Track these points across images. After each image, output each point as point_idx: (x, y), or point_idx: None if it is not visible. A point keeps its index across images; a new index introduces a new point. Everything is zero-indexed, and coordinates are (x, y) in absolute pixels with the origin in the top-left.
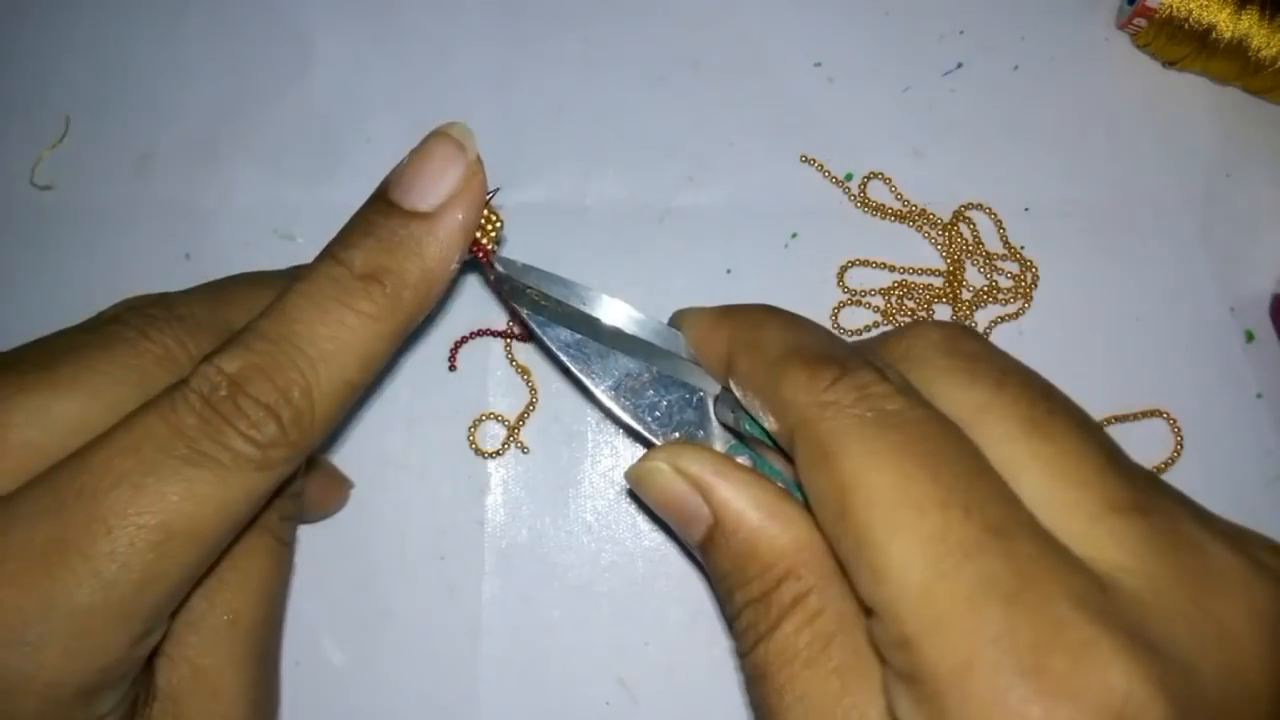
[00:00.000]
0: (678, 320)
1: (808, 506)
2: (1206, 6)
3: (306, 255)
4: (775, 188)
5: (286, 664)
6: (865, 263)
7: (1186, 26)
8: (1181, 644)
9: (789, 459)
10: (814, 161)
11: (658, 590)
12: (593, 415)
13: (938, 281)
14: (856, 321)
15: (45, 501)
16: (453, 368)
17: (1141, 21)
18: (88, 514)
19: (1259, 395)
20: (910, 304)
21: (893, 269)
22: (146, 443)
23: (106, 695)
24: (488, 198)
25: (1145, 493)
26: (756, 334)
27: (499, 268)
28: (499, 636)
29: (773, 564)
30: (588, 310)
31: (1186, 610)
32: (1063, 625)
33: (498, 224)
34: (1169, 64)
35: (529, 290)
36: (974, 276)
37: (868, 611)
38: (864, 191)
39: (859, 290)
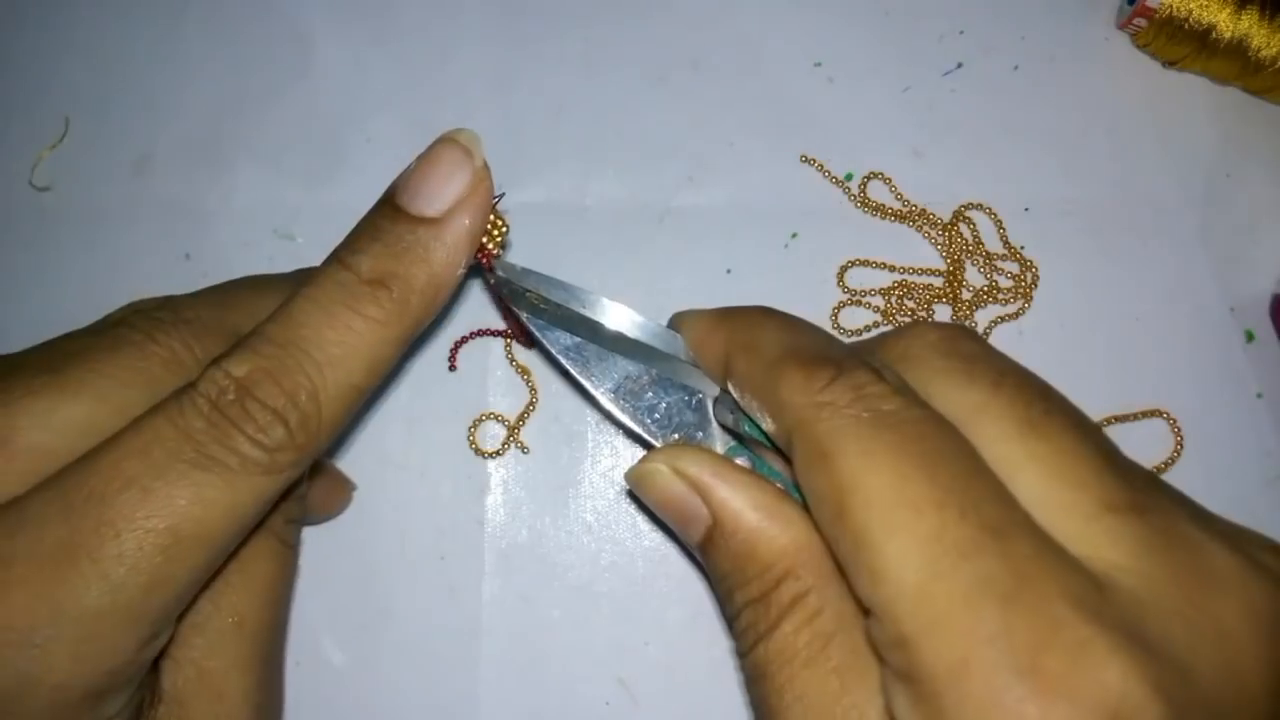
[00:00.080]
0: (676, 322)
1: (806, 507)
2: (1206, 6)
3: (307, 255)
4: (775, 188)
5: (287, 664)
6: (865, 263)
7: (1186, 26)
8: (1178, 643)
9: (788, 460)
10: (814, 161)
11: (658, 590)
12: (593, 415)
13: (938, 281)
14: (856, 321)
15: (54, 505)
16: (453, 368)
17: (1141, 21)
18: (96, 517)
19: (1259, 395)
20: (910, 304)
21: (893, 269)
22: (155, 446)
23: (113, 698)
24: (494, 202)
25: (1142, 492)
26: (754, 335)
27: (499, 271)
28: (499, 636)
29: (771, 564)
30: (587, 313)
31: (1183, 610)
32: (1059, 625)
33: (504, 229)
34: (1169, 64)
35: (528, 294)
36: (974, 276)
37: (865, 611)
38: (864, 191)
39: (859, 290)
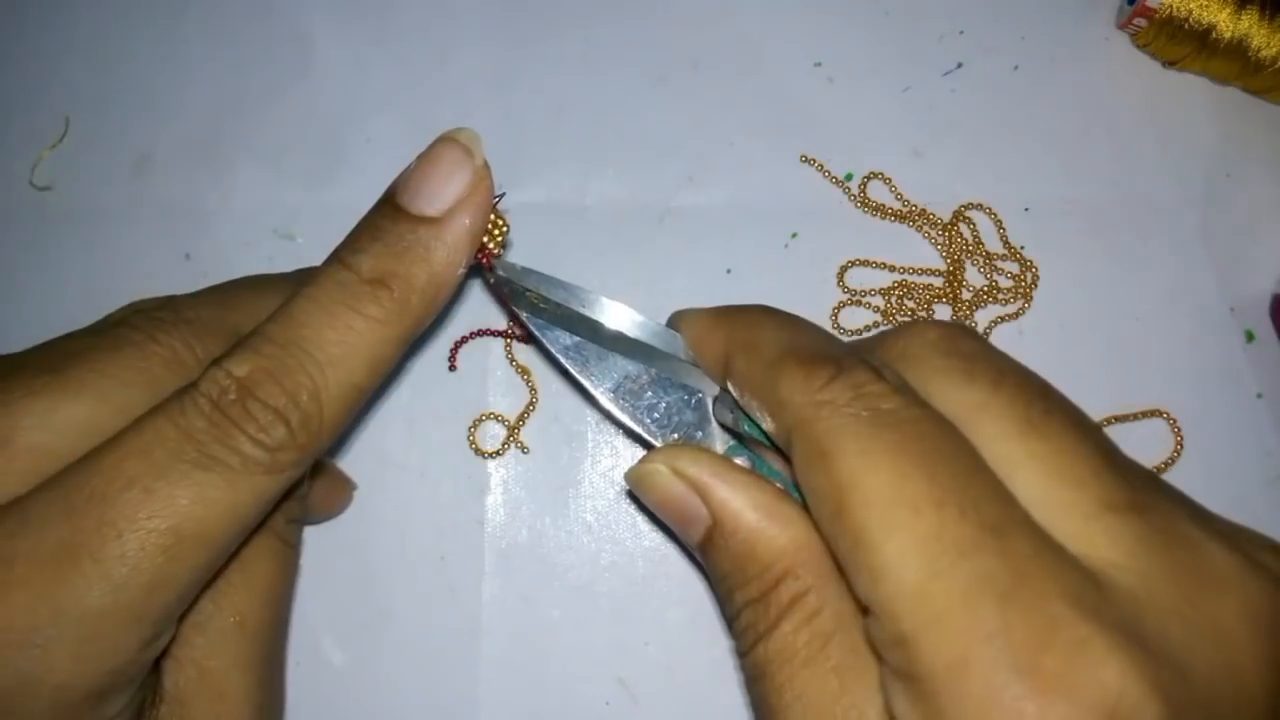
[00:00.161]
0: (676, 321)
1: (806, 507)
2: (1206, 6)
3: (307, 255)
4: (775, 188)
5: (287, 664)
6: (865, 263)
7: (1186, 26)
8: (1176, 642)
9: (787, 459)
10: (814, 161)
11: (658, 590)
12: (593, 415)
13: (938, 281)
14: (856, 321)
15: (55, 505)
16: (453, 368)
17: (1141, 21)
18: (98, 517)
19: (1259, 395)
20: (910, 304)
21: (893, 269)
22: (156, 446)
23: (115, 698)
24: (494, 202)
25: (1141, 491)
26: (753, 334)
27: (499, 271)
28: (499, 636)
29: (771, 564)
30: (586, 312)
31: (1181, 608)
32: (1057, 623)
33: (504, 228)
34: (1169, 64)
35: (528, 293)
36: (974, 276)
37: (865, 610)
38: (864, 191)
39: (859, 290)
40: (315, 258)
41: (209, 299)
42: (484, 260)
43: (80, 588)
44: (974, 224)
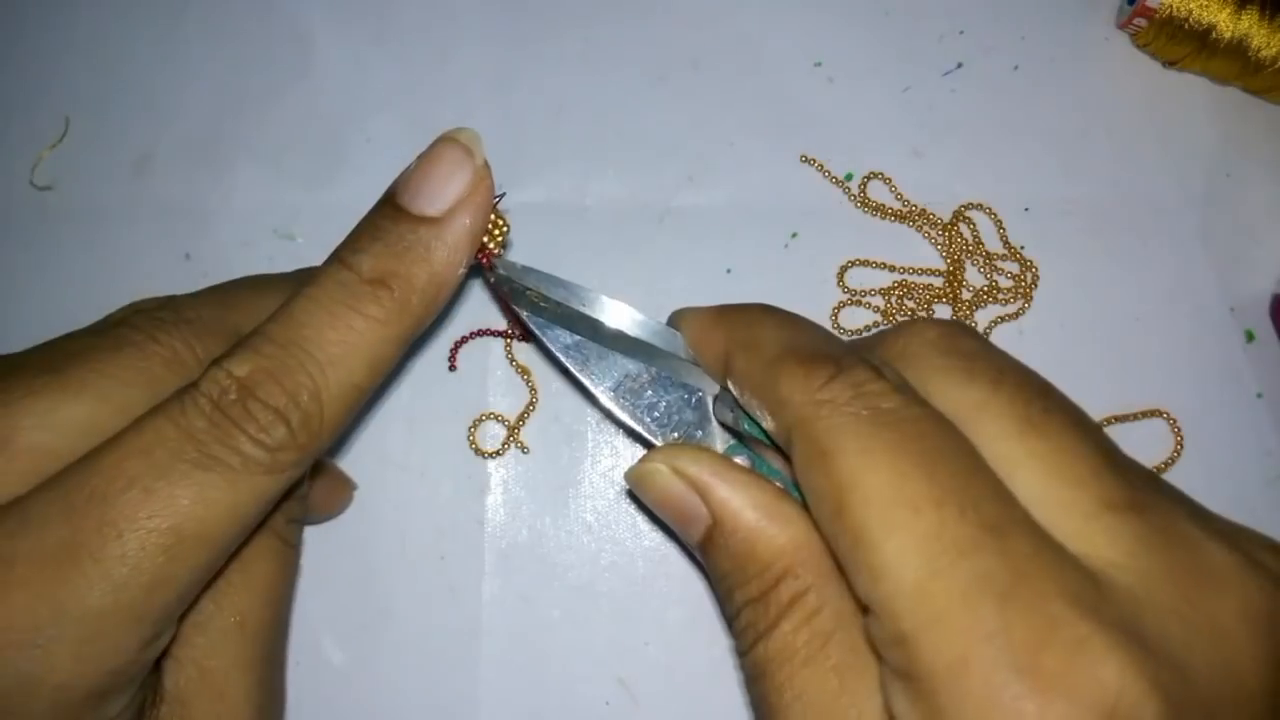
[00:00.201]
0: (676, 320)
1: (806, 506)
2: (1206, 6)
3: (307, 255)
4: (775, 188)
5: (287, 664)
6: (865, 263)
7: (1186, 26)
8: (1175, 641)
9: (787, 458)
10: (814, 161)
11: (658, 590)
12: (593, 415)
13: (938, 281)
14: (856, 321)
15: (56, 505)
16: (453, 368)
17: (1141, 21)
18: (98, 517)
19: (1259, 395)
20: (910, 304)
21: (893, 269)
22: (157, 446)
23: (116, 698)
24: (495, 202)
25: (1141, 491)
26: (753, 333)
27: (499, 269)
28: (499, 636)
29: (770, 563)
30: (587, 311)
31: (1180, 607)
32: (1057, 622)
33: (504, 228)
34: (1169, 64)
35: (528, 292)
36: (974, 276)
37: (864, 609)
38: (864, 191)
39: (859, 290)
40: (315, 258)
41: (209, 299)
42: (484, 260)
43: (81, 587)
44: (974, 224)
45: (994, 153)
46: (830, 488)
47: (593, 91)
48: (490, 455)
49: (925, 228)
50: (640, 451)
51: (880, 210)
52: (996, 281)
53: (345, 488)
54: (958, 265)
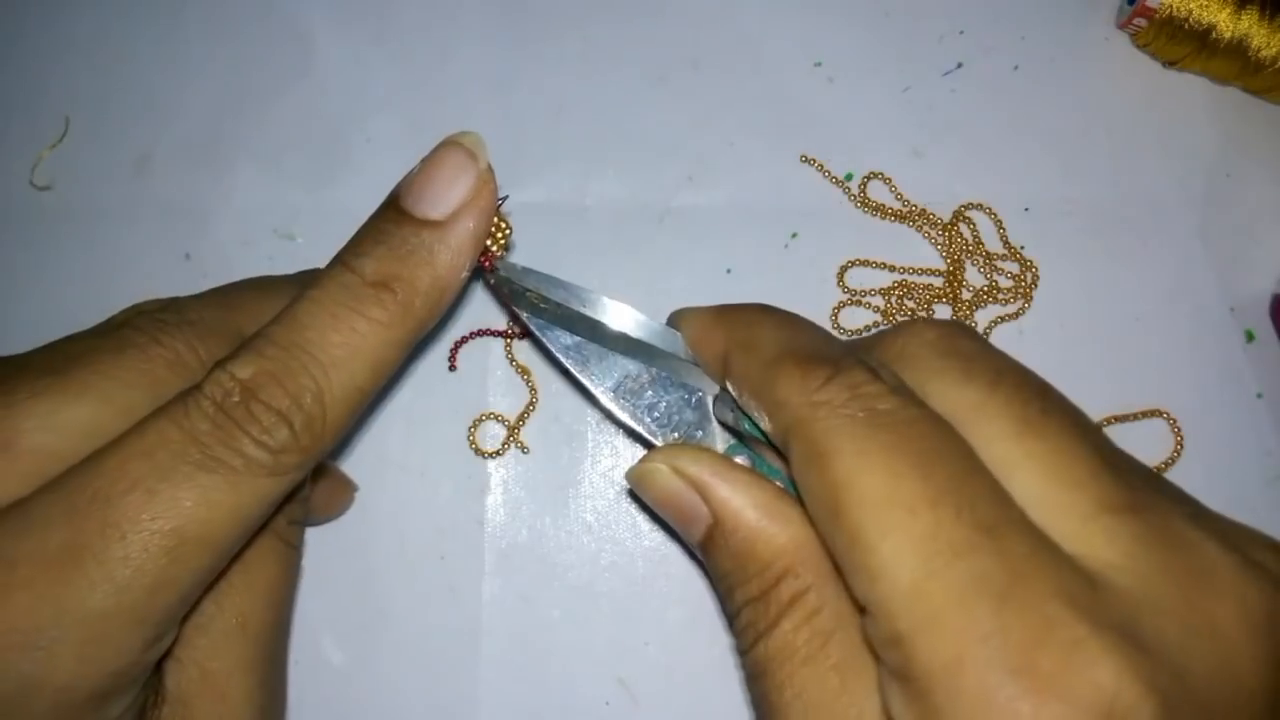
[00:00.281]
0: (676, 320)
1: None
2: (1206, 6)
3: (307, 255)
4: (775, 188)
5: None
6: (865, 263)
7: (1186, 26)
8: (1172, 642)
9: (785, 459)
10: (814, 161)
11: (658, 590)
12: (593, 415)
13: (938, 281)
14: (856, 321)
15: (59, 506)
16: (453, 368)
17: (1141, 21)
18: (101, 519)
19: (1259, 395)
20: (910, 304)
21: (893, 269)
22: (160, 448)
23: (118, 699)
24: (498, 205)
25: (1139, 491)
26: (751, 333)
27: (499, 270)
28: (499, 636)
29: (771, 563)
30: (587, 312)
31: (1178, 609)
32: (1052, 624)
33: (507, 231)
34: (1169, 64)
35: (528, 293)
36: (974, 276)
37: (861, 610)
38: (864, 191)
39: (859, 290)
40: (315, 258)
41: (212, 301)
42: (486, 263)
43: (83, 589)
44: (974, 224)
45: (994, 153)
46: (826, 489)
47: (593, 91)
48: (490, 455)
49: (925, 228)
50: (640, 452)
51: (880, 210)
52: (996, 281)
53: (346, 490)
54: (958, 265)
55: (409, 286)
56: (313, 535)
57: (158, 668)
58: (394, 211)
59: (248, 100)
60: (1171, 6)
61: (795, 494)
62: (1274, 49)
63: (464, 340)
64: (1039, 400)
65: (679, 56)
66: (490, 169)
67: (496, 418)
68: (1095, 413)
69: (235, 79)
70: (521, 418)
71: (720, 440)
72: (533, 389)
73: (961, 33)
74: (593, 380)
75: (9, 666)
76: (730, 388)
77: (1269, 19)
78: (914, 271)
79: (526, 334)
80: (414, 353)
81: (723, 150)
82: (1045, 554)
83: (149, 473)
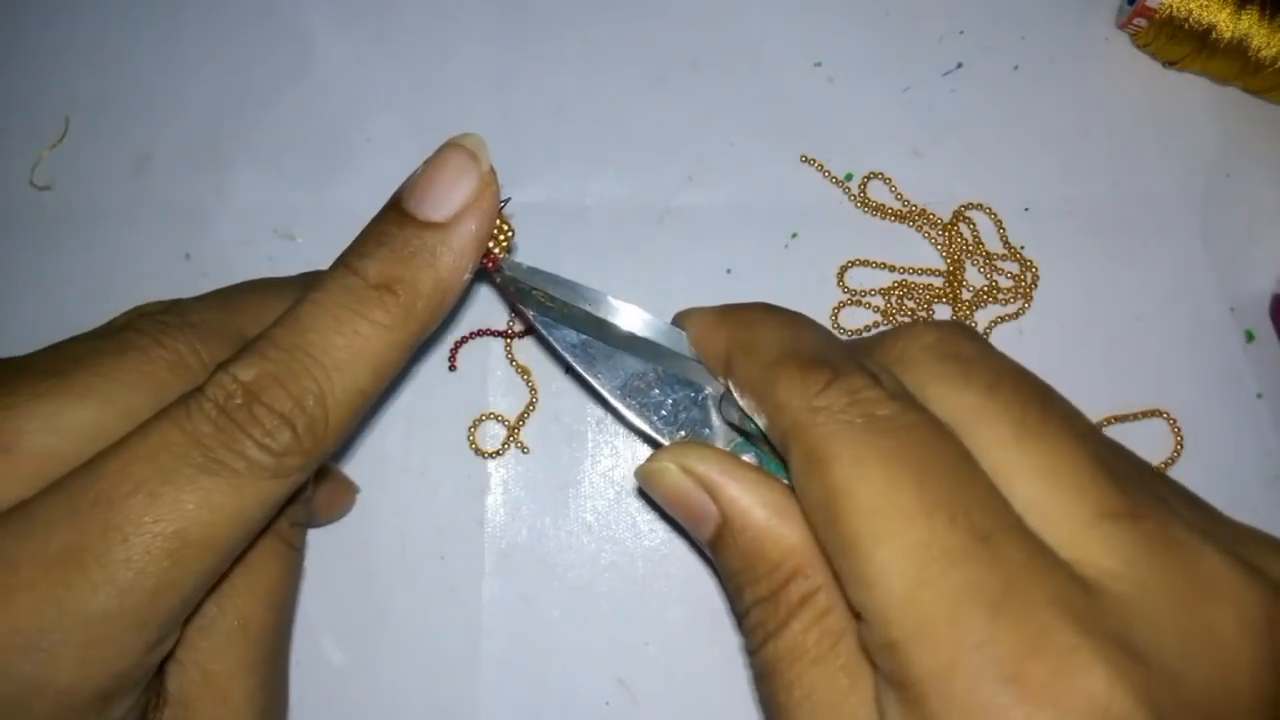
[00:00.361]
0: (680, 320)
1: None
2: (1206, 6)
3: (307, 255)
4: (775, 188)
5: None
6: (865, 263)
7: (1186, 26)
8: (1168, 651)
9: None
10: (814, 161)
11: (658, 590)
12: (593, 415)
13: (938, 281)
14: (856, 321)
15: (61, 508)
16: (453, 368)
17: (1141, 21)
18: (104, 521)
19: (1259, 395)
20: (910, 304)
21: (893, 269)
22: (162, 450)
23: (120, 701)
24: (500, 207)
25: (1138, 497)
26: (752, 334)
27: (505, 270)
28: (499, 636)
29: (780, 563)
30: (593, 311)
31: (1175, 616)
32: (1046, 632)
33: (510, 233)
34: (1169, 64)
35: (534, 292)
36: (974, 276)
37: (857, 616)
38: (864, 191)
39: (859, 290)
40: (315, 258)
41: (214, 302)
42: (489, 265)
43: (85, 591)
44: (974, 224)
45: (994, 153)
46: (823, 495)
47: (593, 91)
48: (490, 455)
49: (925, 228)
50: (645, 450)
51: (880, 210)
52: (996, 281)
53: (348, 491)
54: (958, 265)
55: (411, 289)
56: (313, 535)
57: (160, 670)
58: (396, 213)
59: (247, 100)
60: (1171, 6)
61: None
62: (1274, 49)
63: (464, 340)
64: (1038, 405)
65: (679, 56)
66: (492, 171)
67: (496, 418)
68: (1095, 413)
69: (235, 79)
70: (521, 418)
71: (726, 438)
72: (533, 389)
73: (961, 33)
74: (599, 379)
75: (11, 668)
76: (732, 389)
77: (1269, 19)
78: (914, 271)
79: (530, 333)
80: (417, 356)
81: (723, 150)
82: (1041, 562)
83: (151, 475)
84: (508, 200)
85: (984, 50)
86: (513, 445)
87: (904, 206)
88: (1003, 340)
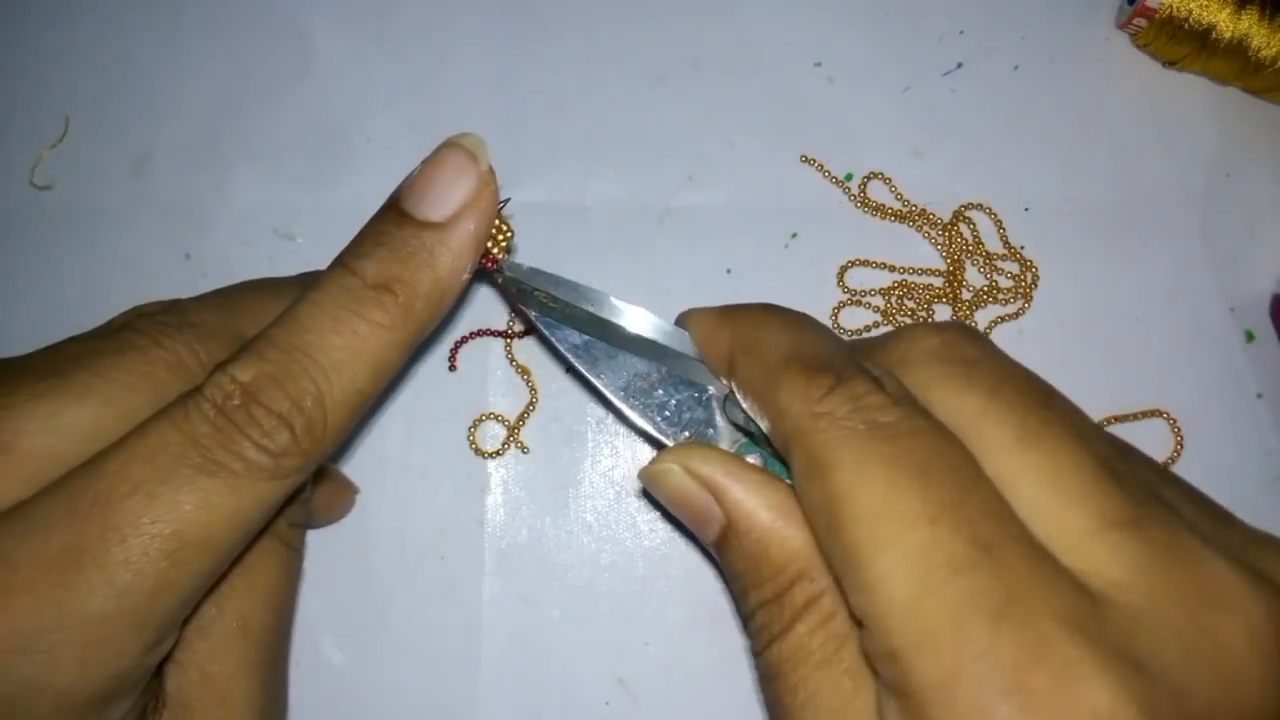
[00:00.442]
0: (683, 320)
1: None
2: (1206, 6)
3: (307, 255)
4: (775, 188)
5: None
6: (865, 263)
7: (1186, 26)
8: (1174, 662)
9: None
10: (814, 161)
11: (658, 590)
12: (593, 415)
13: (938, 281)
14: (856, 321)
15: (59, 509)
16: (453, 368)
17: (1141, 21)
18: (102, 522)
19: (1259, 395)
20: (910, 304)
21: (893, 269)
22: (161, 451)
23: (119, 703)
24: (499, 207)
25: (1143, 504)
26: (755, 336)
27: (506, 271)
28: (499, 636)
29: (785, 566)
30: (595, 311)
31: (1180, 627)
32: (1048, 643)
33: (509, 233)
34: (1169, 64)
35: (537, 293)
36: (974, 276)
37: (859, 623)
38: (864, 191)
39: (859, 290)
40: (315, 258)
41: (213, 303)
42: (489, 265)
43: (84, 592)
44: (974, 224)
45: (994, 153)
46: (825, 501)
47: (593, 91)
48: (490, 455)
49: (925, 228)
50: (645, 449)
51: (880, 210)
52: (996, 281)
53: (347, 492)
54: (958, 265)
55: (410, 289)
56: (313, 535)
57: (158, 671)
58: (395, 213)
59: (247, 100)
60: (1171, 6)
61: None
62: (1274, 49)
63: (464, 340)
64: (1041, 408)
65: (679, 56)
66: (491, 170)
67: (496, 418)
68: (1095, 413)
69: (235, 79)
70: (521, 418)
71: (730, 439)
72: (533, 389)
73: (961, 33)
74: (603, 380)
75: (9, 670)
76: (735, 391)
77: (1269, 19)
78: (914, 271)
79: (530, 333)
80: (414, 353)
81: (723, 150)
82: (1044, 571)
83: (149, 476)
84: (507, 200)
85: (984, 50)
86: (513, 445)
87: (904, 206)
88: (1003, 340)
